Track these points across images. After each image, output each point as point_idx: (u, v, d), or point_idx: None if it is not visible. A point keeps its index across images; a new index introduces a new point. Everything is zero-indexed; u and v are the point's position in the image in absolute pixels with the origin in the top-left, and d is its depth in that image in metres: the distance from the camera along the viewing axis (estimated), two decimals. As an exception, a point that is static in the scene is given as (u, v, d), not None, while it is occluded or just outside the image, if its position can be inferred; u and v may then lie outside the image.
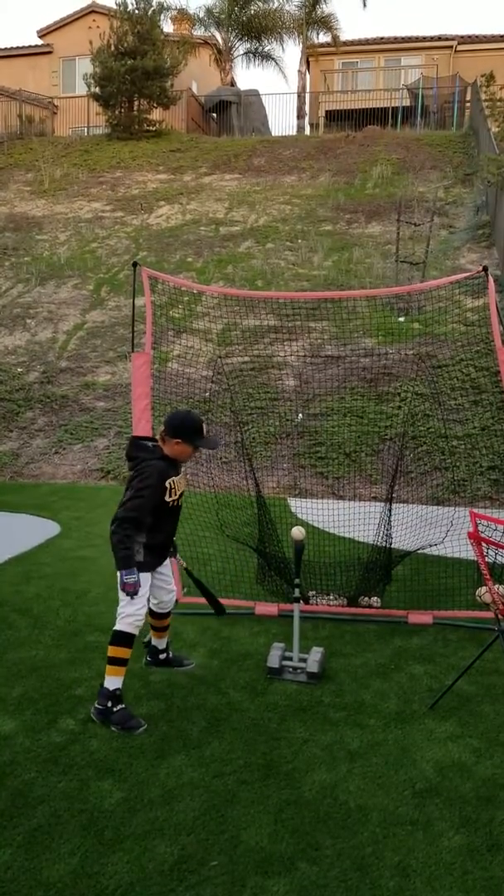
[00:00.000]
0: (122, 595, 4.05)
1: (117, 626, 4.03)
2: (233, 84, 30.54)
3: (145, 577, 4.10)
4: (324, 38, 29.59)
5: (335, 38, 29.02)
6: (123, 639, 4.02)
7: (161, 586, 4.37)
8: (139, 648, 4.57)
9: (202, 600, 5.97)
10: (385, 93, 27.10)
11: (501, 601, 4.08)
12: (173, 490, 4.10)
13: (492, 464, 10.71)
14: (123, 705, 4.00)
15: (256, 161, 22.28)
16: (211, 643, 5.22)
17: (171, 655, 4.77)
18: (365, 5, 29.61)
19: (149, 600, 4.29)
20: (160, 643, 4.71)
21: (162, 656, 4.73)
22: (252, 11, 28.99)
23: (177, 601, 5.70)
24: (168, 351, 13.26)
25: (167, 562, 4.39)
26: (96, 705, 4.01)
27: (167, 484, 4.06)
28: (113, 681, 4.00)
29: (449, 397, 11.85)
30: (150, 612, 4.50)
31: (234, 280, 15.90)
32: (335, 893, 2.77)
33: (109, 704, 3.96)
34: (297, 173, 21.26)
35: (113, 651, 4.02)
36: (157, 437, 4.19)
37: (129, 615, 4.01)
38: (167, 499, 4.08)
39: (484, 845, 3.04)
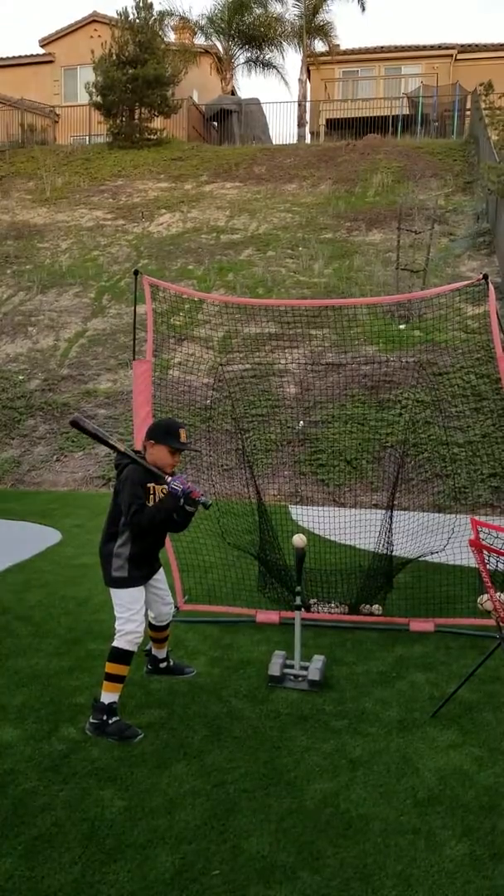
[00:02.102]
0: (118, 611, 4.04)
1: (116, 643, 4.00)
2: (233, 93, 30.66)
3: (139, 591, 4.08)
4: (323, 46, 29.74)
5: (332, 46, 29.15)
6: (122, 656, 3.99)
7: (157, 599, 4.34)
8: (140, 657, 4.57)
9: (202, 608, 5.98)
10: (385, 101, 27.19)
11: (503, 609, 4.08)
12: (154, 496, 4.05)
13: (493, 471, 10.71)
14: (118, 717, 3.98)
15: (257, 169, 22.35)
16: (212, 651, 5.21)
17: (171, 664, 4.77)
18: (364, 9, 29.58)
19: (146, 614, 4.28)
20: (160, 653, 4.70)
21: (163, 665, 4.73)
22: (252, 19, 29.10)
23: (178, 609, 5.71)
24: (169, 358, 13.28)
25: (161, 575, 4.36)
26: (91, 720, 3.99)
27: (148, 486, 4.04)
28: (109, 696, 3.98)
29: (450, 404, 11.86)
30: (149, 625, 4.49)
31: (234, 288, 15.93)
32: (337, 903, 2.76)
33: (104, 718, 3.95)
34: (297, 181, 21.32)
35: (111, 668, 4.00)
36: (142, 445, 4.18)
37: (128, 632, 3.98)
38: (149, 504, 4.04)
39: (486, 854, 3.03)
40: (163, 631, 4.58)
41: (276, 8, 29.20)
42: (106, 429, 12.95)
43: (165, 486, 4.05)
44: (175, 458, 4.12)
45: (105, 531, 4.13)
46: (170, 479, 3.95)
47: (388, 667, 4.96)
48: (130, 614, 4.01)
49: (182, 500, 3.95)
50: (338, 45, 29.24)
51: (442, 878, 2.89)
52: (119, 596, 4.05)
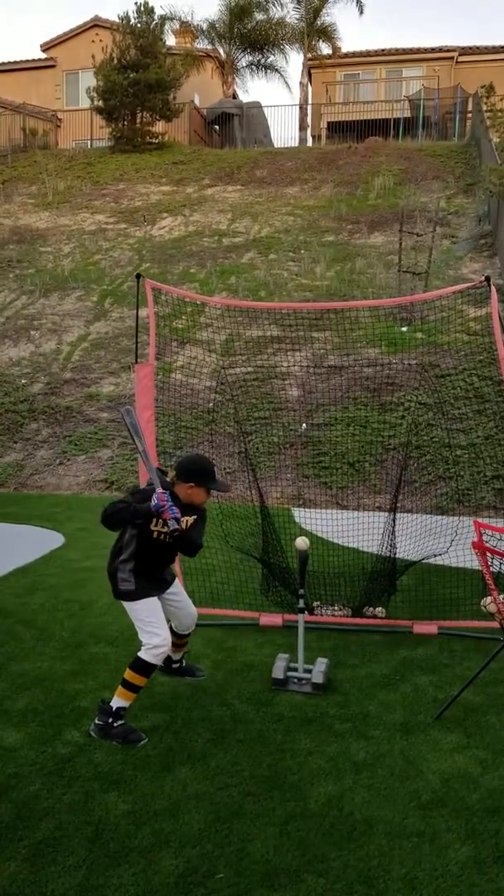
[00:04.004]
0: (138, 625, 4.00)
1: (143, 655, 3.95)
2: (235, 96, 30.72)
3: (153, 601, 4.03)
4: (326, 49, 29.84)
5: (335, 48, 29.19)
6: (144, 668, 3.95)
7: (177, 612, 4.28)
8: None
9: (205, 611, 5.98)
10: (386, 104, 27.22)
11: (506, 611, 4.07)
12: (159, 520, 3.94)
13: (496, 473, 10.70)
14: (123, 721, 3.97)
15: (259, 172, 22.38)
16: (215, 654, 5.21)
17: (183, 665, 4.75)
18: (361, 12, 29.61)
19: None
20: (175, 655, 4.67)
21: (175, 665, 4.71)
22: (253, 23, 29.18)
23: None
24: (171, 362, 13.29)
25: (177, 588, 4.31)
26: (96, 721, 3.97)
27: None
28: (120, 702, 3.96)
29: (452, 407, 11.86)
30: (171, 631, 4.46)
31: (237, 291, 15.95)
32: (341, 906, 2.76)
33: (110, 720, 3.93)
34: (299, 184, 21.35)
35: (131, 677, 3.96)
36: (169, 479, 4.07)
37: (155, 646, 3.93)
38: (152, 527, 3.97)
39: (491, 857, 3.02)
40: (184, 637, 4.55)
41: (276, 12, 29.31)
42: (107, 432, 12.97)
43: (191, 518, 4.01)
44: (208, 495, 4.09)
45: (112, 549, 4.12)
46: (158, 490, 3.82)
47: (391, 669, 4.95)
48: (152, 627, 3.96)
49: (158, 516, 3.84)
50: (339, 49, 29.29)
51: (446, 881, 2.88)
52: (133, 609, 4.01)
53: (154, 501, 3.77)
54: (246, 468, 9.65)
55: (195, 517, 4.08)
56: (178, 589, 4.33)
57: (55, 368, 14.66)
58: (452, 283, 14.63)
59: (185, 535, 3.91)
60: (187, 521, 3.99)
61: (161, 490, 3.82)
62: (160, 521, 3.93)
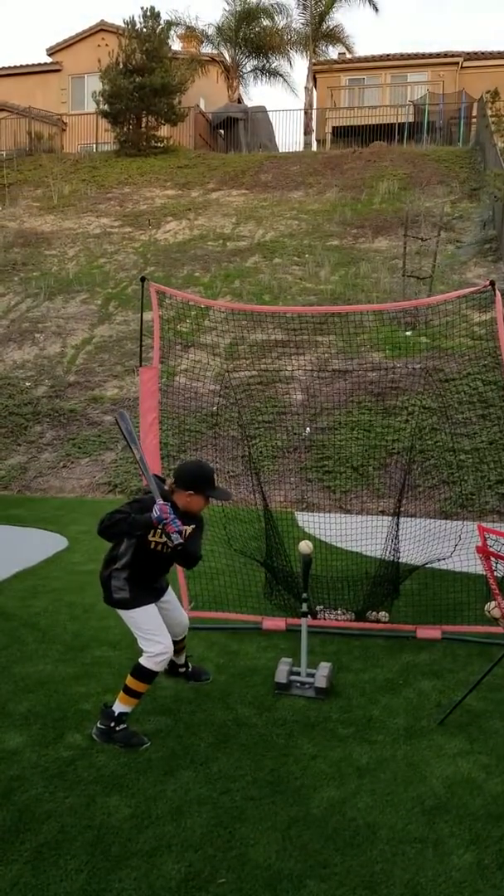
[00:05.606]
0: (136, 633, 3.99)
1: (144, 663, 3.94)
2: (240, 100, 30.79)
3: (150, 608, 4.03)
4: (334, 52, 29.96)
5: (348, 48, 29.32)
6: (145, 675, 3.94)
7: (168, 618, 4.24)
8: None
9: (208, 615, 5.97)
10: (391, 109, 27.26)
11: (510, 616, 4.06)
12: (157, 531, 3.91)
13: (500, 478, 10.67)
14: (126, 725, 3.96)
15: (263, 177, 22.41)
16: (218, 658, 5.20)
17: (189, 669, 4.74)
18: (377, 10, 29.64)
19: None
20: (178, 658, 4.65)
21: (181, 670, 4.70)
22: (259, 29, 29.28)
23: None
24: (175, 365, 13.30)
25: (169, 596, 4.30)
26: (98, 725, 3.96)
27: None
28: (122, 707, 3.94)
29: (456, 411, 11.84)
30: None
31: (241, 295, 15.96)
32: (344, 912, 2.75)
33: (112, 724, 3.92)
34: (303, 189, 21.37)
35: (132, 683, 3.95)
36: (167, 486, 4.06)
37: (157, 654, 3.92)
38: (150, 537, 3.94)
39: (494, 863, 3.00)
40: (179, 643, 4.54)
41: (281, 19, 29.46)
42: (111, 435, 12.97)
43: (189, 527, 3.99)
44: (207, 503, 4.08)
45: (105, 557, 4.10)
46: (159, 501, 3.78)
47: (394, 674, 4.94)
48: (152, 635, 3.95)
49: (160, 528, 3.79)
50: (353, 49, 29.49)
51: (449, 887, 2.87)
52: (130, 618, 4.00)
53: (156, 514, 3.72)
54: (249, 472, 9.65)
55: (193, 526, 4.05)
56: (170, 597, 4.31)
57: (59, 371, 14.68)
58: (457, 287, 14.62)
59: (186, 547, 3.87)
60: (186, 530, 3.96)
61: (163, 502, 3.78)
62: (158, 531, 3.90)
